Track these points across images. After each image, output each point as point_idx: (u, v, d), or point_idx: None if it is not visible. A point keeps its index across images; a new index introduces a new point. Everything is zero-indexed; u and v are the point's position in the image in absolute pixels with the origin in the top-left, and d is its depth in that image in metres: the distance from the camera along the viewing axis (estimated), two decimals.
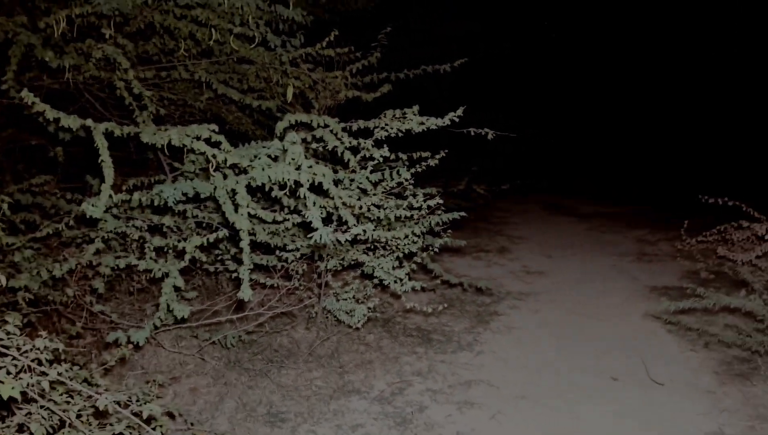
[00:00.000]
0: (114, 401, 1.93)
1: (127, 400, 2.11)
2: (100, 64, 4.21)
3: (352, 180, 3.72)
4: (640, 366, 3.94)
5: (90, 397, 2.02)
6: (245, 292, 2.92)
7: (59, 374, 1.87)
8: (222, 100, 5.33)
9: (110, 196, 2.99)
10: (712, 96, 12.48)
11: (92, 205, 2.87)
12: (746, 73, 11.69)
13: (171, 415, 2.75)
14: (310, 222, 3.93)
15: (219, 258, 4.17)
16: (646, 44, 13.02)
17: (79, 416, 2.07)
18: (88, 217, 3.12)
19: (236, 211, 3.22)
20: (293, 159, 2.98)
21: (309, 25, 4.66)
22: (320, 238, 2.72)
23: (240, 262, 4.19)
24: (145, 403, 2.05)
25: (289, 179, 3.01)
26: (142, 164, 5.12)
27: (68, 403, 2.05)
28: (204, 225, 4.15)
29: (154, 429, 2.04)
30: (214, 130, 3.28)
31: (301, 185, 2.91)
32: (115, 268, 3.56)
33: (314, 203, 2.85)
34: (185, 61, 4.81)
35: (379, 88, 5.16)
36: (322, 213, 3.03)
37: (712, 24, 11.68)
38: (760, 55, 11.08)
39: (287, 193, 3.55)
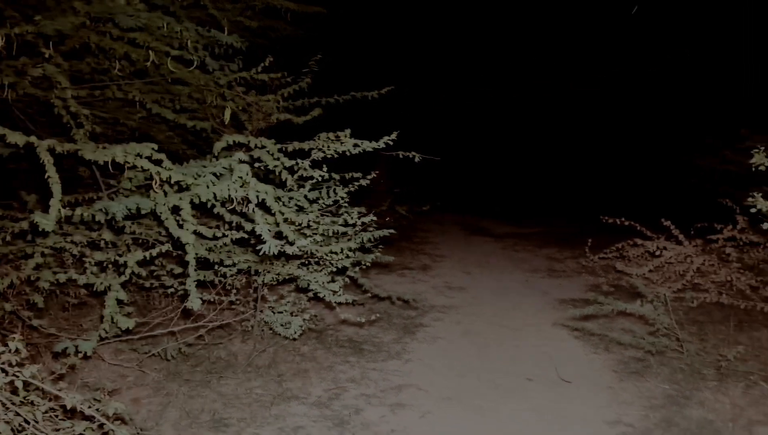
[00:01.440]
0: (81, 401, 2.07)
1: (88, 402, 2.23)
2: (37, 82, 4.24)
3: (290, 198, 3.94)
4: (551, 368, 4.37)
5: (57, 397, 2.13)
6: (194, 302, 3.08)
7: (32, 375, 1.99)
8: (154, 120, 5.39)
9: (59, 211, 3.07)
10: (613, 130, 13.63)
11: (44, 220, 2.94)
12: (641, 111, 12.88)
13: (123, 420, 2.84)
14: (248, 238, 4.13)
15: (155, 274, 4.25)
16: (555, 81, 14.00)
17: (44, 416, 2.17)
18: (28, 231, 3.18)
19: (181, 226, 3.36)
20: (240, 177, 3.19)
21: (244, 50, 4.88)
22: (269, 250, 2.94)
23: (176, 277, 4.33)
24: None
25: (236, 196, 3.21)
26: (73, 182, 5.10)
27: (33, 404, 2.15)
28: (140, 241, 4.23)
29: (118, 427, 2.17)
30: (154, 149, 3.42)
31: (250, 201, 3.12)
32: (55, 282, 3.60)
33: (262, 218, 3.06)
34: (119, 80, 4.86)
35: (310, 111, 5.39)
36: (269, 228, 3.23)
37: (609, 70, 12.79)
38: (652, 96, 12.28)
39: (231, 210, 3.72)
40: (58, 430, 2.25)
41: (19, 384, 1.94)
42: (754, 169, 3.72)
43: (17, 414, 2.14)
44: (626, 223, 5.49)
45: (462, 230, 11.49)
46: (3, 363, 1.99)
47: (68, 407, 2.11)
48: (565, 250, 8.96)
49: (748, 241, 5.38)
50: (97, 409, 2.14)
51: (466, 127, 15.33)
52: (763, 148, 3.68)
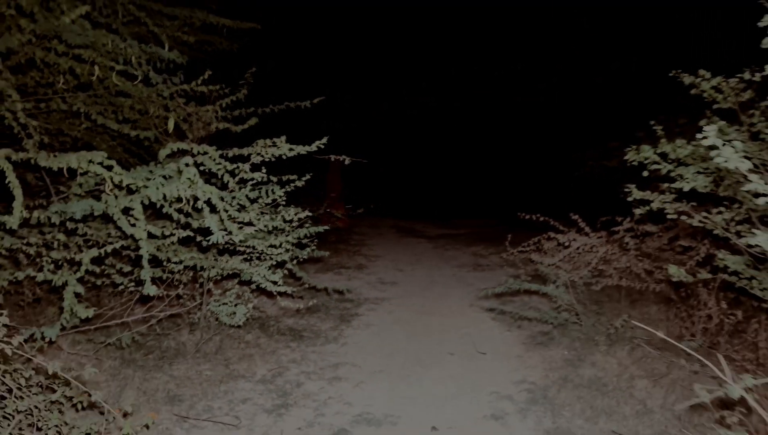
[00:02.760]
0: (60, 368, 2.45)
1: (65, 370, 2.60)
2: None
3: (233, 198, 4.35)
4: (471, 344, 4.95)
5: (39, 365, 2.50)
6: (149, 289, 3.47)
7: (19, 344, 2.36)
8: (97, 131, 5.67)
9: (21, 212, 3.40)
10: (534, 139, 14.63)
11: (10, 219, 3.27)
12: (558, 122, 13.96)
13: (88, 394, 3.19)
14: (194, 236, 4.53)
15: (105, 272, 4.56)
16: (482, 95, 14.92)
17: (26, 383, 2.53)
18: None
19: (133, 225, 3.73)
20: (189, 178, 3.60)
21: (185, 64, 5.26)
22: (216, 240, 3.37)
23: (125, 275, 4.66)
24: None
25: (185, 195, 3.61)
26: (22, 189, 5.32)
27: (15, 371, 2.51)
28: (91, 242, 4.53)
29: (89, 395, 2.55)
30: (104, 156, 3.77)
31: (198, 199, 3.54)
32: (13, 280, 3.88)
33: (210, 213, 3.48)
34: (63, 93, 5.13)
35: (247, 121, 5.79)
36: (216, 223, 3.64)
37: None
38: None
39: (179, 209, 4.09)
40: (37, 394, 2.61)
41: (8, 352, 2.29)
42: (628, 164, 4.43)
43: (2, 383, 2.49)
44: (541, 219, 6.13)
45: (396, 233, 12.07)
46: None
47: (50, 373, 2.47)
48: (489, 247, 9.65)
49: (644, 232, 6.09)
50: (73, 376, 2.51)
51: (400, 137, 15.97)
52: (634, 147, 4.38)
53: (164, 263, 4.51)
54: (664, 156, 4.32)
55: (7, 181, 3.56)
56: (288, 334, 5.05)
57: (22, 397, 2.57)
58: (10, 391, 2.68)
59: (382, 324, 5.55)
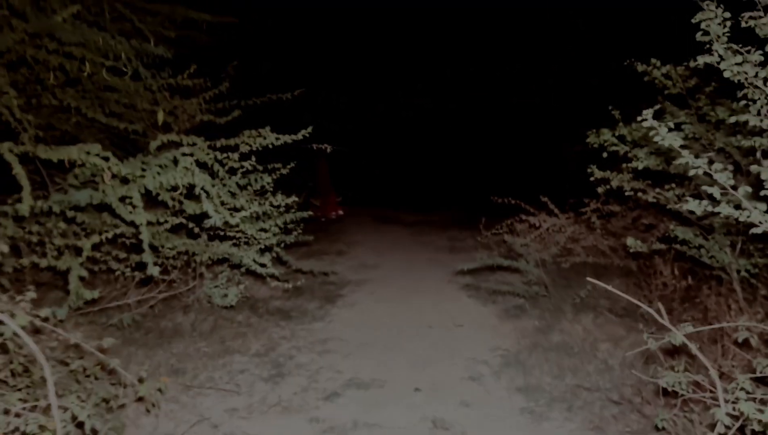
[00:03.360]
0: (81, 338, 2.73)
1: (87, 339, 2.88)
2: None
3: (224, 185, 4.62)
4: (449, 318, 5.32)
5: (61, 337, 2.77)
6: (152, 270, 3.75)
7: (45, 317, 2.63)
8: (85, 124, 5.86)
9: (31, 200, 3.65)
10: (507, 127, 15.12)
11: (22, 207, 3.53)
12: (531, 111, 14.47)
13: (101, 366, 3.46)
14: (186, 223, 4.80)
15: (102, 259, 4.80)
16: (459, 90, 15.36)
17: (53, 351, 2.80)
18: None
19: (131, 212, 3.99)
20: (185, 167, 3.88)
21: (171, 58, 5.50)
22: (214, 223, 3.66)
23: (120, 261, 4.89)
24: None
25: (182, 183, 3.89)
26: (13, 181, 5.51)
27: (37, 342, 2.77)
28: (87, 230, 4.76)
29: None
30: (101, 149, 4.01)
31: (193, 187, 3.82)
32: (18, 267, 4.12)
33: (209, 198, 3.76)
34: (53, 89, 5.31)
35: (230, 112, 6.04)
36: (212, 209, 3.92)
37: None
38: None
39: (173, 197, 4.35)
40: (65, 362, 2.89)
41: (37, 323, 2.56)
42: (590, 147, 4.82)
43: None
44: (513, 202, 6.49)
45: (375, 220, 12.36)
46: (23, 308, 2.61)
47: (71, 342, 2.75)
48: (465, 232, 10.02)
49: (610, 212, 6.50)
50: (95, 347, 2.79)
51: (392, 131, 16.33)
52: (594, 131, 4.77)
53: (159, 249, 4.77)
54: (622, 138, 4.71)
55: (13, 172, 3.81)
56: (277, 314, 5.35)
57: (54, 365, 2.84)
58: (32, 361, 2.95)
59: (365, 303, 5.88)
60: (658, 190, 4.41)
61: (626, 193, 4.53)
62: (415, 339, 4.77)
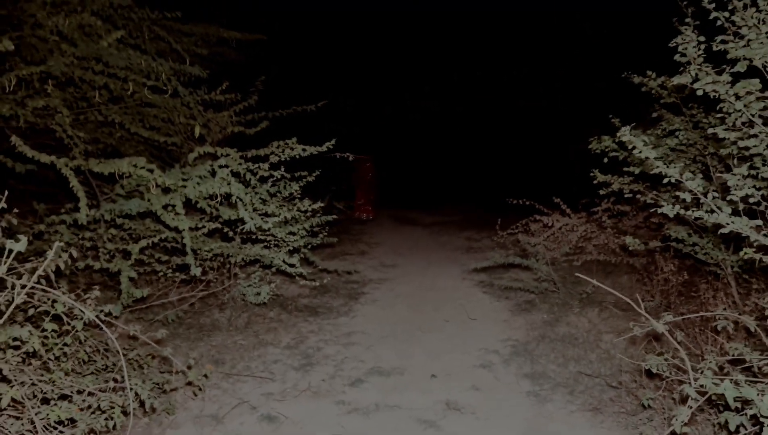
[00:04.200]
0: (138, 330, 3.18)
1: (143, 332, 3.34)
2: (39, 112, 5.19)
3: (256, 193, 5.07)
4: (464, 313, 5.70)
5: (123, 330, 3.23)
6: (195, 270, 4.22)
7: (108, 312, 3.09)
8: (126, 138, 6.35)
9: (87, 209, 4.14)
10: (523, 131, 15.43)
11: (81, 216, 4.02)
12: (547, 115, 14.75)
13: (153, 357, 3.92)
14: (221, 228, 5.25)
15: (146, 261, 5.29)
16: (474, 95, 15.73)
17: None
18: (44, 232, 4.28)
19: (175, 217, 4.45)
20: (223, 177, 4.33)
21: (205, 77, 5.97)
22: (250, 227, 4.11)
23: (162, 263, 5.36)
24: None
25: (219, 192, 4.34)
26: (56, 193, 6.05)
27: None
28: (133, 235, 5.25)
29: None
30: (146, 161, 4.47)
31: (230, 195, 4.27)
32: (74, 270, 4.62)
33: (243, 205, 4.21)
34: (99, 106, 5.81)
35: (259, 124, 6.49)
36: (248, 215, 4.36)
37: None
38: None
39: (213, 204, 4.81)
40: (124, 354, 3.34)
41: (101, 317, 3.02)
42: (592, 152, 5.17)
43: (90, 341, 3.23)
44: (527, 203, 6.83)
45: (394, 222, 12.79)
46: (89, 304, 3.06)
47: (131, 334, 3.20)
48: (482, 232, 10.41)
49: (620, 212, 6.81)
50: (147, 336, 3.24)
51: (401, 134, 16.78)
52: (596, 137, 5.12)
53: (197, 252, 5.23)
54: (621, 144, 5.05)
55: (70, 186, 4.31)
56: (305, 311, 5.79)
57: (125, 354, 3.30)
58: (97, 351, 3.43)
59: (386, 299, 6.30)
60: (654, 192, 4.75)
61: (626, 196, 4.87)
62: (432, 332, 5.17)
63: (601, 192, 5.34)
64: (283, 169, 5.04)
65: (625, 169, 4.91)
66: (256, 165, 5.03)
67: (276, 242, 5.49)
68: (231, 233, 5.34)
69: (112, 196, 5.26)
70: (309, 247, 5.85)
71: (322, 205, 5.38)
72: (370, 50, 14.09)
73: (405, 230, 11.66)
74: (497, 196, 13.65)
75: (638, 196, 4.87)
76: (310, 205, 5.26)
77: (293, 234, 5.30)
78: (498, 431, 3.41)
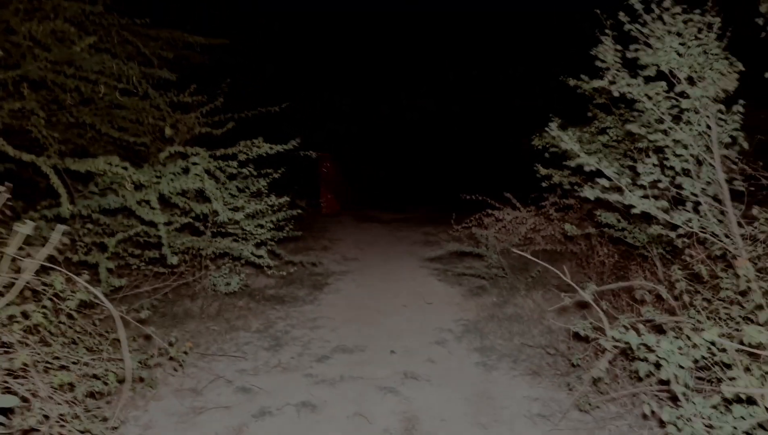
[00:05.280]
0: (123, 311, 3.52)
1: (125, 313, 3.67)
2: (15, 114, 5.42)
3: (226, 188, 5.42)
4: (420, 298, 6.16)
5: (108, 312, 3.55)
6: (171, 259, 4.54)
7: (95, 295, 3.41)
8: (96, 138, 6.60)
9: (69, 205, 4.43)
10: (478, 129, 16.02)
11: (63, 211, 4.31)
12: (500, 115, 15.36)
13: (134, 339, 4.24)
14: (191, 223, 5.55)
15: (120, 254, 5.57)
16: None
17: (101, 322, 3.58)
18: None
19: (150, 212, 4.77)
20: (196, 174, 4.68)
21: (174, 80, 6.28)
22: (222, 218, 4.46)
23: (135, 256, 5.63)
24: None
25: (192, 187, 4.68)
26: (34, 190, 6.25)
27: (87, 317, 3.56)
28: (108, 230, 5.53)
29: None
30: (119, 160, 4.76)
31: (202, 191, 4.62)
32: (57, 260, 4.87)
33: (216, 199, 4.56)
34: (70, 108, 6.05)
35: (225, 125, 6.81)
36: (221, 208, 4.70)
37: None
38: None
39: (185, 200, 5.14)
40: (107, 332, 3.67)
41: (92, 298, 3.35)
42: (534, 148, 5.69)
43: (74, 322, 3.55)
44: (480, 198, 7.32)
45: (355, 220, 13.21)
46: (79, 287, 3.38)
47: (116, 316, 3.53)
48: (438, 227, 10.91)
49: (566, 205, 7.36)
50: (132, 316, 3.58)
51: (369, 134, 17.23)
52: (538, 134, 5.64)
53: (171, 245, 5.54)
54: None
55: (51, 182, 4.59)
56: (272, 300, 6.15)
57: (102, 333, 3.63)
58: (85, 331, 3.74)
59: (348, 289, 6.71)
60: (590, 183, 5.28)
61: (564, 187, 5.40)
62: (392, 315, 5.61)
63: (543, 184, 5.87)
64: (252, 166, 5.40)
65: (564, 162, 5.44)
66: (225, 163, 5.38)
67: (244, 235, 5.84)
68: (202, 227, 5.67)
69: (85, 193, 5.53)
70: (275, 240, 6.21)
71: (287, 199, 5.76)
72: (342, 48, 14.50)
73: (366, 227, 12.08)
74: (458, 194, 14.29)
75: (575, 187, 5.41)
76: (276, 200, 5.63)
77: (261, 226, 5.66)
78: (449, 394, 3.86)
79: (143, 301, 5.32)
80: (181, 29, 7.35)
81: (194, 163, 4.77)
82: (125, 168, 4.80)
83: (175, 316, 5.39)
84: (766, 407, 2.06)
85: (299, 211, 6.22)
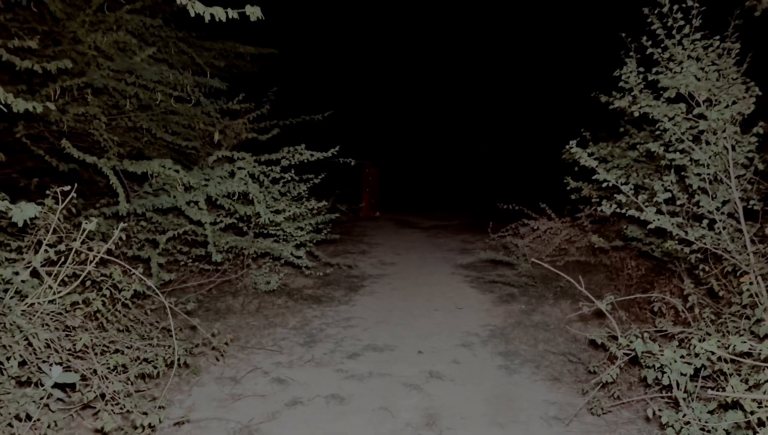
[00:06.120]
0: (172, 302, 3.85)
1: (174, 304, 4.01)
2: (79, 118, 5.88)
3: (269, 192, 5.75)
4: (452, 303, 6.37)
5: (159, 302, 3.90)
6: (216, 257, 4.89)
7: (148, 286, 3.75)
8: (150, 142, 7.04)
9: (126, 203, 4.82)
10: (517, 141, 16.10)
11: (122, 208, 4.70)
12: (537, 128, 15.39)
13: (181, 330, 4.59)
14: (236, 223, 5.89)
15: (169, 251, 5.96)
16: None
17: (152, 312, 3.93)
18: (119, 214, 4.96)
19: (198, 212, 5.12)
20: (241, 178, 5.02)
21: (225, 89, 6.67)
22: (264, 220, 4.78)
23: (184, 253, 6.00)
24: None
25: (238, 190, 5.02)
26: (92, 190, 6.73)
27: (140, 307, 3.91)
28: (159, 228, 5.93)
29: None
30: (172, 163, 5.12)
31: (247, 194, 4.95)
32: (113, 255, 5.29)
33: (259, 202, 4.89)
34: (129, 113, 6.49)
35: (270, 131, 7.17)
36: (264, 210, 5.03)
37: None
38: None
39: (230, 201, 5.49)
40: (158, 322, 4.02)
41: (142, 289, 3.70)
42: (566, 162, 5.83)
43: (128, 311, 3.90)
44: (517, 208, 7.46)
45: (395, 225, 13.47)
46: (134, 279, 3.73)
47: (166, 306, 3.87)
48: (476, 235, 11.07)
49: (602, 217, 7.44)
50: (181, 308, 3.91)
51: (404, 142, 17.56)
52: (569, 147, 5.76)
53: (216, 244, 5.91)
54: (591, 155, 5.72)
55: (111, 183, 4.99)
56: (309, 299, 6.46)
57: (152, 323, 3.98)
58: (137, 320, 4.10)
59: (383, 292, 6.97)
60: (618, 197, 5.40)
61: (593, 200, 5.52)
62: (422, 318, 5.84)
63: (572, 197, 6.00)
64: (293, 171, 5.72)
65: (593, 177, 5.57)
66: (269, 168, 5.72)
67: (285, 237, 6.17)
68: (245, 228, 6.03)
69: (140, 193, 5.95)
70: (314, 242, 6.52)
71: (326, 204, 6.06)
72: (380, 62, 14.93)
73: (404, 232, 12.33)
74: (495, 202, 14.41)
75: (603, 201, 5.52)
76: (316, 204, 5.94)
77: (301, 229, 5.98)
78: (471, 394, 4.07)
79: (189, 295, 5.69)
80: (233, 39, 7.78)
81: (240, 168, 5.10)
82: (177, 170, 5.17)
83: (218, 311, 5.74)
84: (749, 411, 2.21)
85: (337, 214, 6.52)
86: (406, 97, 16.56)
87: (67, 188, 3.34)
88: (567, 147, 6.00)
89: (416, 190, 17.58)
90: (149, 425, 3.01)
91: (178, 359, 3.76)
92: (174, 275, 5.24)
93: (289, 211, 5.63)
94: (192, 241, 6.08)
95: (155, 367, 3.47)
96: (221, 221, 5.73)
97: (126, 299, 3.67)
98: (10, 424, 2.86)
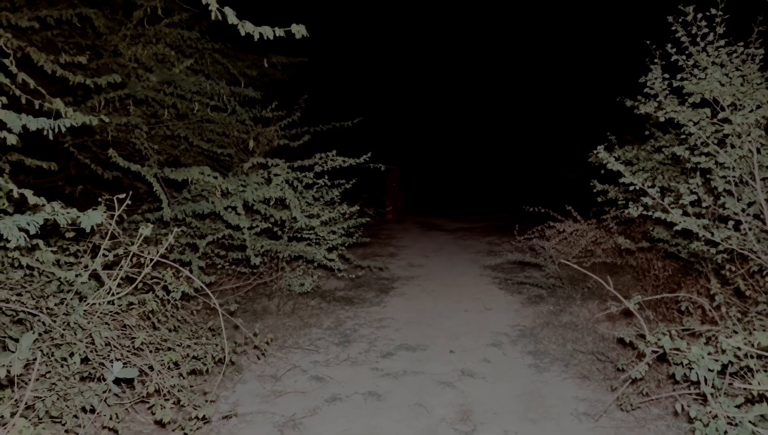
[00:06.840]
0: (219, 303, 4.07)
1: (221, 305, 4.22)
2: (121, 128, 6.16)
3: (303, 197, 5.96)
4: (481, 304, 6.51)
5: (205, 302, 4.12)
6: (254, 259, 5.11)
7: (198, 286, 3.98)
8: (187, 149, 7.30)
9: (168, 209, 5.06)
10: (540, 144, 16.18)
11: (165, 214, 4.95)
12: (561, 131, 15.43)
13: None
14: (270, 228, 6.11)
15: (208, 254, 6.21)
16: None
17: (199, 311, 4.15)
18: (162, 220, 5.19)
19: (237, 217, 5.34)
20: (277, 184, 5.23)
21: (259, 98, 6.90)
22: (302, 224, 4.99)
23: (221, 257, 6.22)
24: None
25: (274, 196, 5.24)
26: (133, 196, 6.99)
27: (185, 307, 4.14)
28: (199, 233, 6.18)
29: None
30: (210, 170, 5.36)
31: (283, 199, 5.16)
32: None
33: (295, 207, 5.10)
34: (167, 122, 6.75)
35: (301, 138, 7.39)
36: (299, 215, 5.24)
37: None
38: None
39: (267, 206, 5.71)
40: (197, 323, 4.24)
41: (200, 287, 3.91)
42: (592, 165, 5.94)
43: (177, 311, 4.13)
44: (542, 211, 7.57)
45: (421, 227, 13.64)
46: (183, 280, 3.96)
47: (212, 306, 4.09)
48: (503, 237, 11.19)
49: (628, 219, 7.51)
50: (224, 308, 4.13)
51: (427, 146, 17.75)
52: (596, 151, 5.88)
53: (252, 248, 6.14)
54: (617, 159, 5.83)
55: (154, 190, 5.24)
56: (342, 301, 6.66)
57: (198, 322, 4.20)
58: (184, 320, 4.32)
59: (413, 293, 7.13)
60: (645, 199, 5.50)
61: (620, 203, 5.62)
62: (452, 319, 5.99)
63: (599, 199, 6.10)
64: (326, 177, 5.92)
65: (620, 180, 5.67)
66: (303, 174, 5.93)
67: (317, 241, 6.38)
68: (279, 232, 6.25)
69: (179, 199, 6.20)
70: (345, 245, 6.72)
71: (357, 208, 6.25)
72: (403, 68, 15.16)
73: (431, 235, 12.49)
74: (519, 203, 14.48)
75: (629, 203, 5.63)
76: (348, 209, 6.14)
77: (333, 233, 6.18)
78: (502, 391, 4.21)
79: (228, 297, 5.93)
80: (265, 49, 8.03)
81: (276, 175, 5.32)
82: (215, 177, 5.41)
83: (255, 312, 5.97)
84: None
85: (368, 219, 6.70)
86: (426, 102, 16.75)
87: (122, 196, 3.58)
88: (594, 151, 6.16)
89: (438, 193, 17.72)
90: (203, 417, 3.22)
91: (222, 359, 3.97)
92: (213, 278, 5.47)
93: (323, 215, 5.83)
94: (229, 245, 6.32)
95: (204, 364, 3.68)
96: (257, 226, 5.95)
97: (176, 300, 3.89)
98: (75, 416, 3.10)
